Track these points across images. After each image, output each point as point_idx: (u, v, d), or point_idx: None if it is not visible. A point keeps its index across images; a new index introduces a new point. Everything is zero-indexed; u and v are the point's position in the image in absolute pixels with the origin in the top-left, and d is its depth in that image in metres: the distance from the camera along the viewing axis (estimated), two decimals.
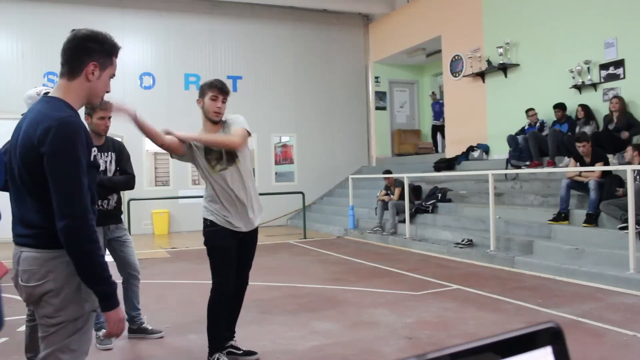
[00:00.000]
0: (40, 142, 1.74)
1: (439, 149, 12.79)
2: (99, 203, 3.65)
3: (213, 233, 3.30)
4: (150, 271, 6.63)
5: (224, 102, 3.30)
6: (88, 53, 1.84)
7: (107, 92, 1.96)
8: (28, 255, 1.83)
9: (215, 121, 3.31)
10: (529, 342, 0.44)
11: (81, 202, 1.76)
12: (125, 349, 3.91)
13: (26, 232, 1.84)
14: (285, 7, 12.96)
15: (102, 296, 1.81)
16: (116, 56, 1.93)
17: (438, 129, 12.95)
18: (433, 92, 13.38)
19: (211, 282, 3.35)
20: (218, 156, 3.29)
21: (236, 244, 3.34)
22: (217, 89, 3.27)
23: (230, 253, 3.32)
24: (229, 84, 15.17)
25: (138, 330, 4.10)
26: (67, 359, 1.85)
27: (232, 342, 3.52)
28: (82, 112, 2.41)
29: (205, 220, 3.35)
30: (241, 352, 3.51)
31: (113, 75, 1.94)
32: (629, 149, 6.62)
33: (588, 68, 8.38)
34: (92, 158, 1.87)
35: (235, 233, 3.31)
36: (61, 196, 1.74)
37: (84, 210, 1.76)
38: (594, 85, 8.35)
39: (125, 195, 10.01)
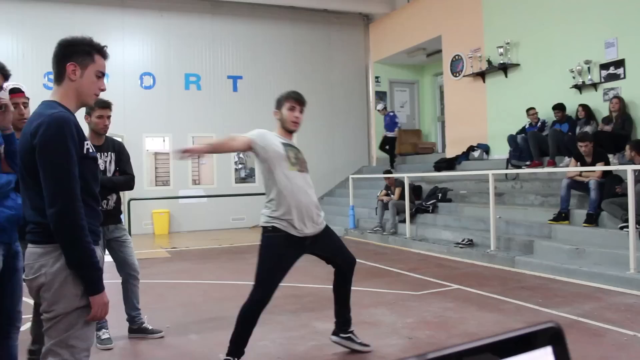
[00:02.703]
0: (33, 136, 1.87)
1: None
2: None
3: (273, 239, 3.18)
4: (150, 271, 6.63)
5: (301, 112, 3.51)
6: (65, 57, 1.98)
7: (102, 90, 2.05)
8: (29, 250, 1.93)
9: (293, 130, 3.50)
10: (529, 342, 0.44)
11: (69, 190, 1.84)
12: (125, 349, 3.91)
13: (28, 228, 1.95)
14: (285, 7, 12.95)
15: (88, 281, 1.90)
16: (99, 54, 2.02)
17: (388, 142, 12.38)
18: (384, 107, 12.68)
19: (252, 285, 3.22)
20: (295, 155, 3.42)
21: (296, 253, 3.27)
22: (294, 100, 3.48)
23: (286, 264, 3.25)
24: (229, 84, 14.96)
25: (138, 330, 4.10)
26: (66, 354, 1.88)
27: (353, 328, 3.63)
28: (82, 112, 2.43)
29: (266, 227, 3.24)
30: (359, 342, 3.61)
31: (101, 73, 2.01)
32: (627, 147, 6.61)
33: (588, 68, 8.37)
34: (85, 151, 1.94)
35: (299, 240, 3.21)
36: (50, 185, 1.84)
37: (72, 197, 1.84)
38: (594, 85, 8.34)
39: (126, 195, 10.01)
